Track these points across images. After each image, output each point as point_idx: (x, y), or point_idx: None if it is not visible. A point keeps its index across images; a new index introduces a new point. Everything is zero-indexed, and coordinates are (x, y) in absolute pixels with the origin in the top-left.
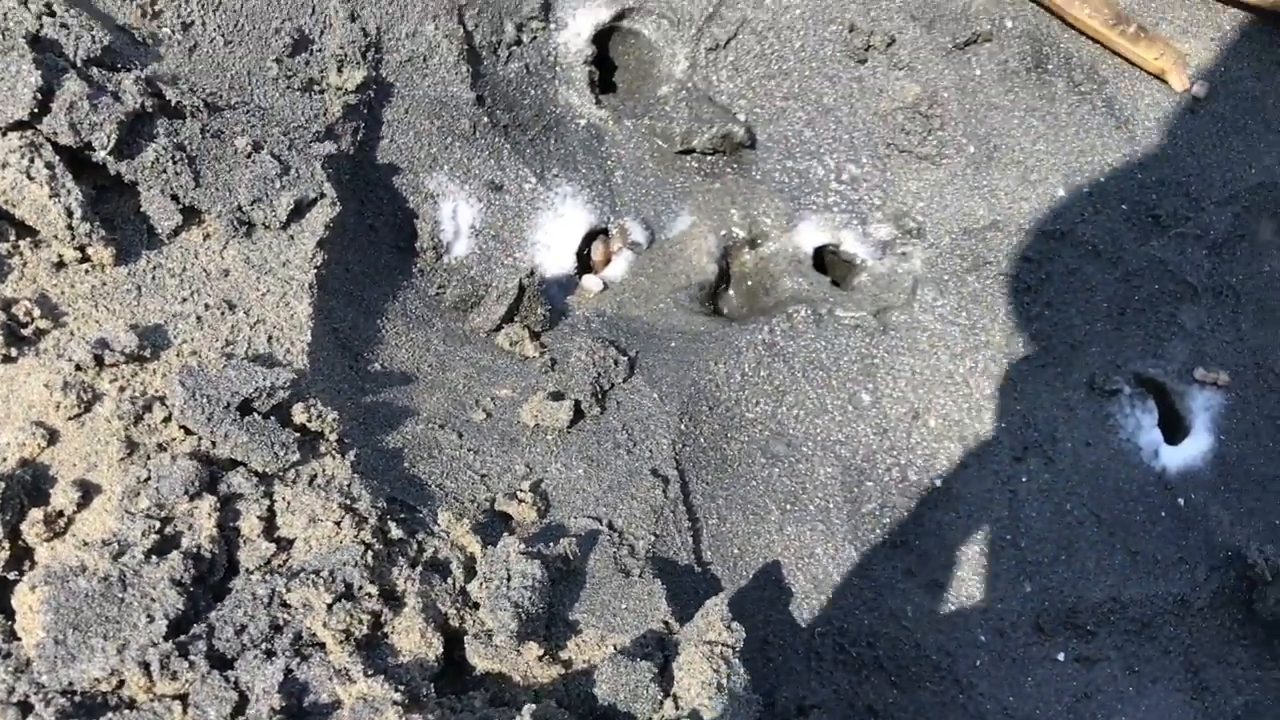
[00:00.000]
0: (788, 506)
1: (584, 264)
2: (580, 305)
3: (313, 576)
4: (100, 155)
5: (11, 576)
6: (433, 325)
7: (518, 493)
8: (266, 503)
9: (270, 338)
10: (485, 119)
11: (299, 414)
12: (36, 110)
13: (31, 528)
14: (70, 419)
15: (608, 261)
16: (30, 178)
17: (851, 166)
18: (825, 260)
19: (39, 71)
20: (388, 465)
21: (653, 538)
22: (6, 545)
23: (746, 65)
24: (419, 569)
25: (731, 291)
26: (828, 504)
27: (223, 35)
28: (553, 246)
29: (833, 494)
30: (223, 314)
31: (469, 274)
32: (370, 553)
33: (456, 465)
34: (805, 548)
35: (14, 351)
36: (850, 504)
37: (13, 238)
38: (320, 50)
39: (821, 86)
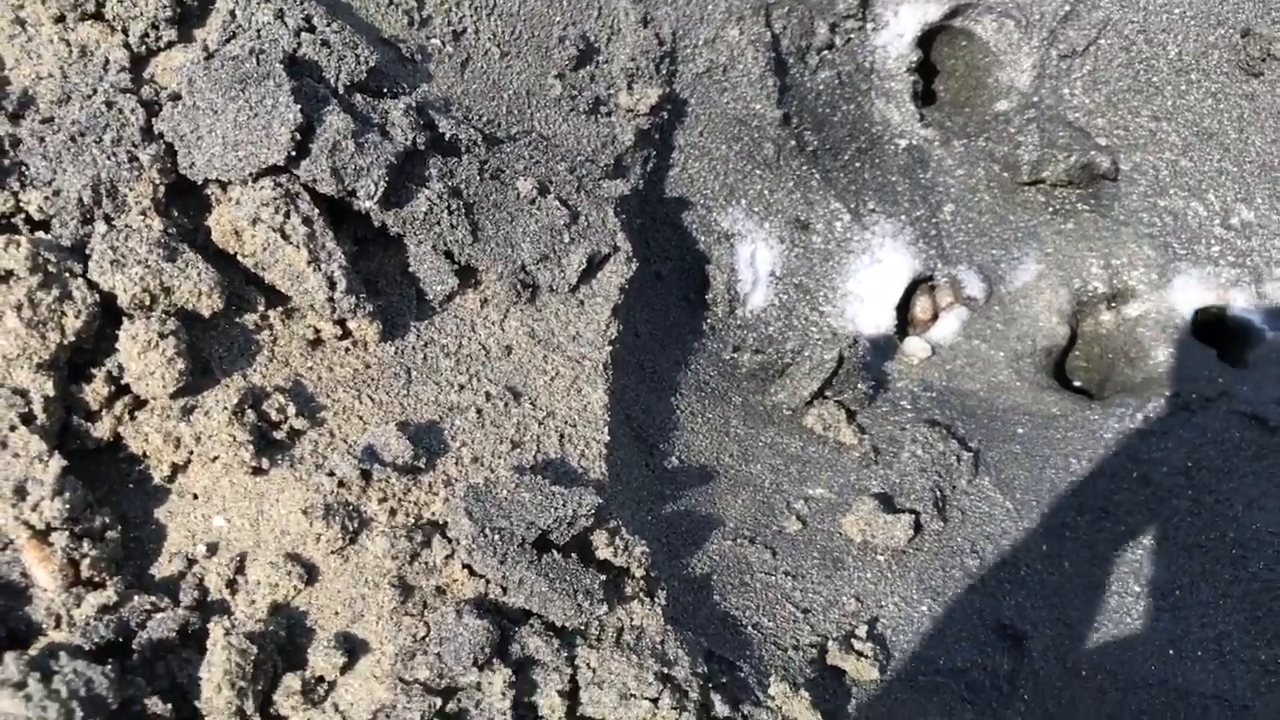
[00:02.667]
0: (1170, 652)
1: (904, 321)
2: (902, 375)
3: None
4: (364, 204)
5: None
6: (730, 400)
7: (853, 640)
8: (569, 671)
9: (562, 436)
10: (791, 141)
11: (601, 546)
12: (294, 152)
13: (287, 698)
14: (332, 553)
15: (935, 319)
16: (285, 237)
17: (1242, 208)
18: (1208, 326)
19: (297, 105)
20: (697, 601)
21: (1022, 706)
22: (258, 719)
23: (1108, 77)
24: None
25: (1080, 357)
26: (1220, 648)
27: (498, 45)
28: (868, 299)
29: (1228, 635)
30: (506, 406)
31: (766, 332)
32: None
33: (773, 595)
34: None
35: (264, 461)
36: (1249, 647)
37: (261, 307)
38: (608, 63)
39: (1202, 105)
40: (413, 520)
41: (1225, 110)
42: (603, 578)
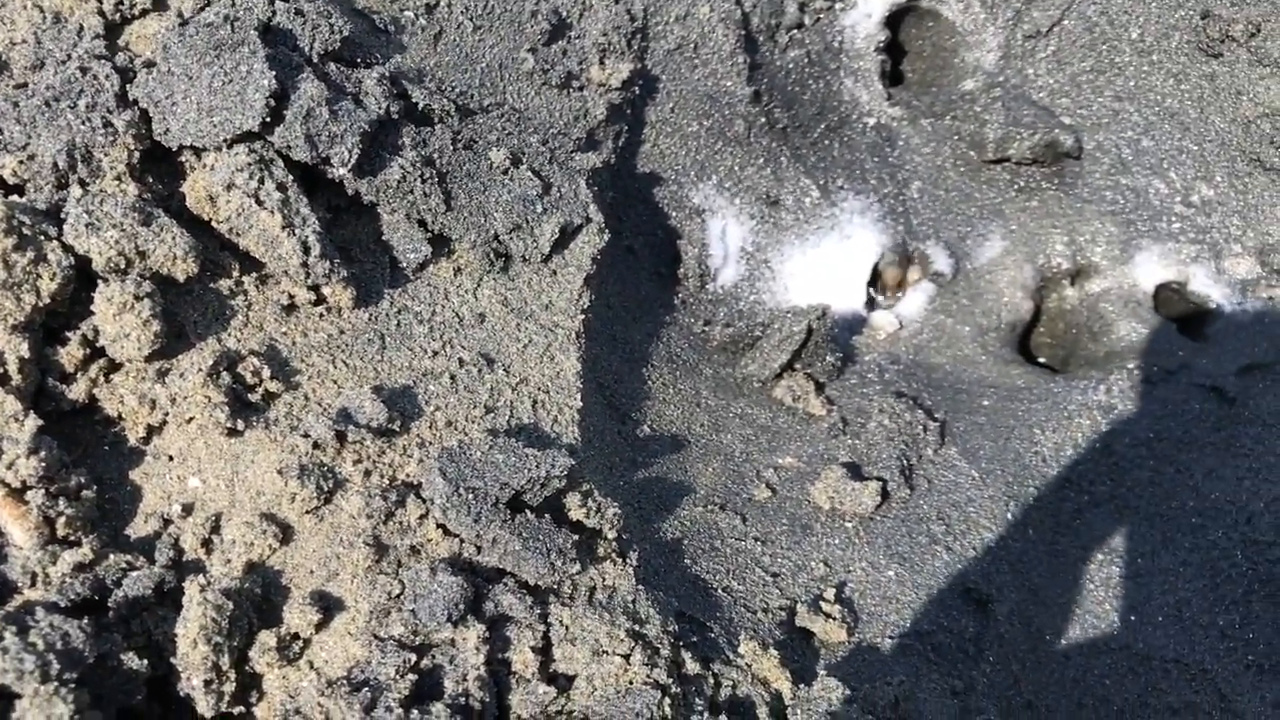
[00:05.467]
0: (1132, 618)
1: (872, 296)
2: (870, 348)
3: None
4: (339, 172)
5: (237, 712)
6: (701, 373)
7: (821, 603)
8: (542, 629)
9: (535, 402)
10: (761, 119)
11: (574, 508)
12: (268, 119)
13: (262, 655)
14: (307, 513)
15: (902, 294)
16: (260, 202)
17: (1202, 185)
18: (1168, 301)
19: (272, 72)
20: (668, 564)
21: (988, 668)
22: (233, 676)
23: (1071, 57)
24: (722, 717)
25: (1044, 333)
26: (1180, 613)
27: (471, 19)
28: (837, 275)
29: (1188, 601)
30: (480, 372)
31: (737, 306)
32: (667, 698)
33: (743, 560)
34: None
35: (239, 423)
36: (1208, 613)
37: (236, 273)
38: (580, 38)
39: (1164, 85)
40: (387, 481)
41: (1186, 90)
42: (575, 538)
